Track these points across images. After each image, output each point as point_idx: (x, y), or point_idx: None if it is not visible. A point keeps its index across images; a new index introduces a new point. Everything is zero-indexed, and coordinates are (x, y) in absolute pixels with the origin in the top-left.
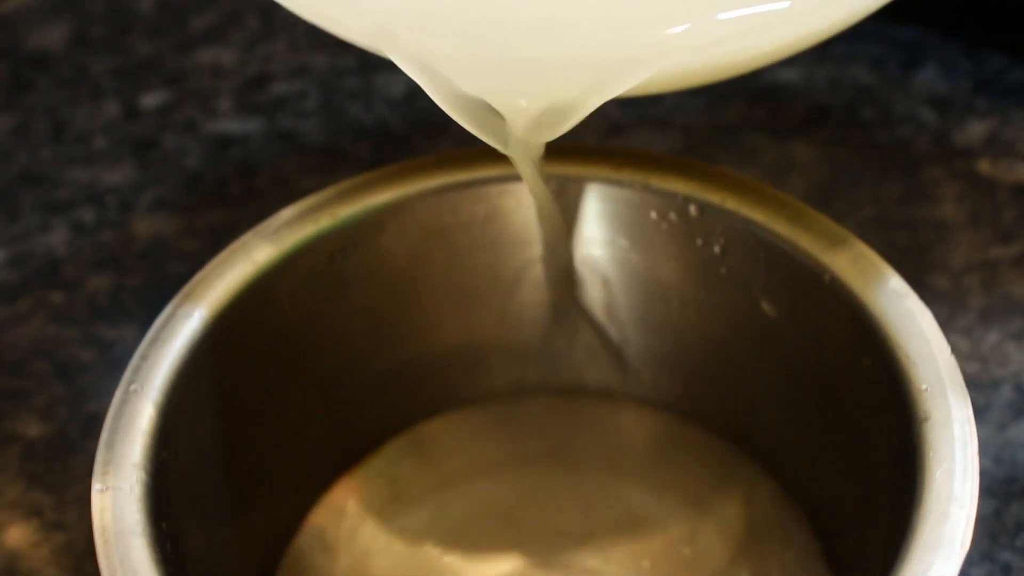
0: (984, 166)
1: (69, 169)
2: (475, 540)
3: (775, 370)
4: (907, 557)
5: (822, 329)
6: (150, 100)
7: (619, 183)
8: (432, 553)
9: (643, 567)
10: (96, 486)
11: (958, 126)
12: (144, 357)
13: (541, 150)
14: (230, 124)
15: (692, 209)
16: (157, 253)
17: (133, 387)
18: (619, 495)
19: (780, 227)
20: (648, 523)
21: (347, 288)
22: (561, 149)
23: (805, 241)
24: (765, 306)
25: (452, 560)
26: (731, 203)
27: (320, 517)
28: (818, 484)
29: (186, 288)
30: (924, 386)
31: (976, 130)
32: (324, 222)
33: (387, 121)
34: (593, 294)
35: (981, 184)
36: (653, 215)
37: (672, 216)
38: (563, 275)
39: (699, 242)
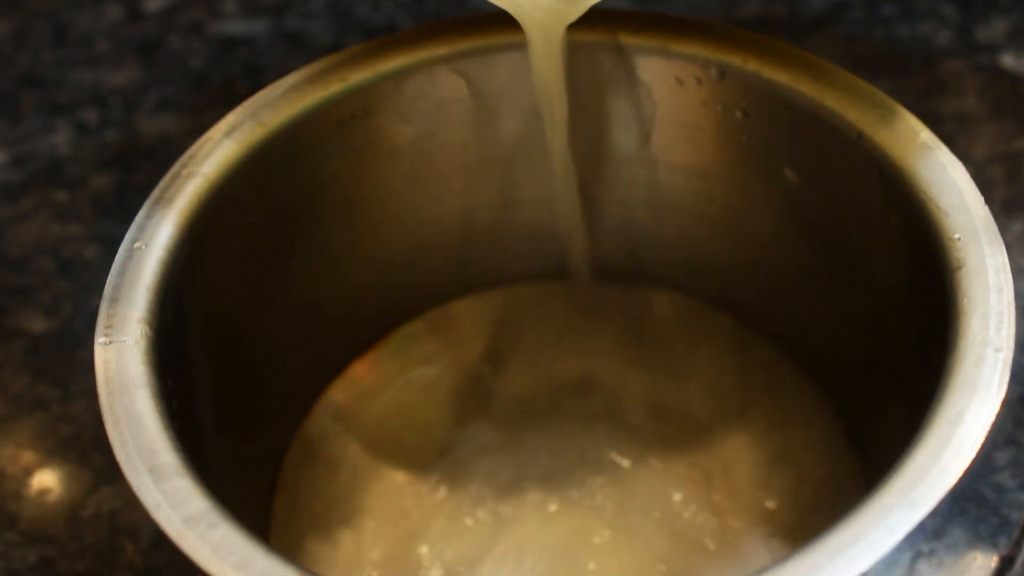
0: (1007, 60)
1: (72, 71)
2: (487, 425)
3: (797, 243)
4: (941, 401)
5: (848, 191)
6: (153, 3)
7: (637, 48)
8: (443, 437)
9: (661, 452)
10: (100, 339)
11: (980, 21)
12: (149, 216)
13: (562, 32)
14: (236, 25)
15: (713, 72)
16: (162, 152)
17: (137, 245)
18: (638, 379)
19: (805, 86)
20: (667, 406)
21: (356, 158)
22: None
23: (831, 99)
24: (789, 173)
25: (462, 444)
26: (753, 64)
27: (334, 396)
28: (841, 361)
29: (191, 150)
30: (957, 235)
31: (999, 25)
32: (334, 86)
33: (396, 20)
34: (610, 171)
35: (1004, 78)
36: (673, 80)
37: (692, 81)
38: (570, 153)
39: (720, 108)
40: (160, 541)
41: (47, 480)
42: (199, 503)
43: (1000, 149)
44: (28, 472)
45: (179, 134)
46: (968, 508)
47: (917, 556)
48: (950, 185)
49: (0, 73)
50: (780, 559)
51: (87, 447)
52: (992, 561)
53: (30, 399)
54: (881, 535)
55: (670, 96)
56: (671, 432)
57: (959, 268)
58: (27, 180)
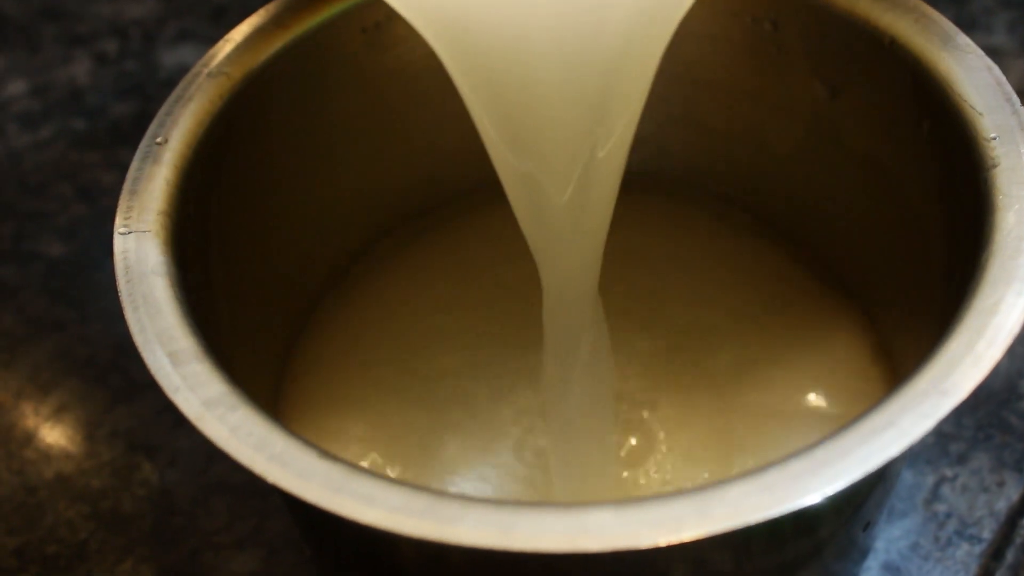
0: None
1: (91, 3)
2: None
3: (826, 156)
4: (975, 293)
5: (878, 99)
6: None
7: None
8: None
9: (680, 367)
10: (119, 229)
11: None
12: (169, 112)
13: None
14: None
15: None
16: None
17: (159, 140)
18: (658, 291)
19: None
20: (686, 320)
21: (379, 67)
22: None
23: (863, 6)
24: (818, 85)
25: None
26: None
27: (347, 288)
28: (869, 273)
29: (212, 50)
30: (992, 135)
31: None
32: None
33: None
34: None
35: None
36: None
37: None
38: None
39: (749, 20)
40: (175, 458)
41: (64, 399)
42: (218, 387)
43: None
44: (46, 391)
45: None
46: (993, 435)
47: (941, 481)
48: (986, 87)
49: (21, 5)
50: (812, 443)
51: (104, 367)
52: (1016, 487)
53: (48, 321)
54: (913, 421)
55: (698, 7)
56: (685, 341)
57: (994, 167)
58: (46, 109)
